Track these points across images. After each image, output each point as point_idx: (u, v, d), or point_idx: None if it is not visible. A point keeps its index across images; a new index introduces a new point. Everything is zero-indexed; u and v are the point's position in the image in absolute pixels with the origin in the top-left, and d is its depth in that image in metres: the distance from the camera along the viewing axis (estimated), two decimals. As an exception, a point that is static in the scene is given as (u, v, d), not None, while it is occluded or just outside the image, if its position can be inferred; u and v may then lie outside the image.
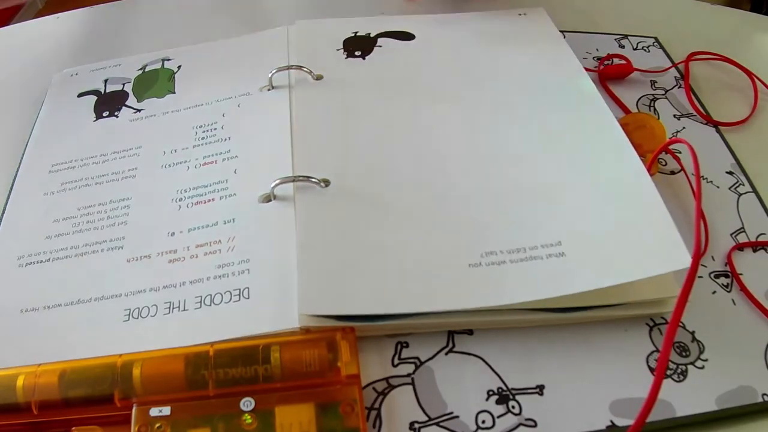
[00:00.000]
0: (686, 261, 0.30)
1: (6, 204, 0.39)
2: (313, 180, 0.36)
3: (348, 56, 0.46)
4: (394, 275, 0.32)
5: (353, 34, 0.48)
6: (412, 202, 0.36)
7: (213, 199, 0.38)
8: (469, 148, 0.39)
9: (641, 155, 0.40)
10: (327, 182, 0.37)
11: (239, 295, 0.33)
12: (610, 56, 0.50)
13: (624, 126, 0.41)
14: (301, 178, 0.36)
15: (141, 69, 0.48)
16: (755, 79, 0.48)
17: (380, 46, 0.47)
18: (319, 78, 0.44)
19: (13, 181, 0.41)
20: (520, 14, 0.50)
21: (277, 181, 0.37)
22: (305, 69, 0.44)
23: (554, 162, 0.38)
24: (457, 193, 0.36)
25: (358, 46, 0.47)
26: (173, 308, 0.33)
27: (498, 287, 0.31)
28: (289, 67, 0.44)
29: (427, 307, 0.31)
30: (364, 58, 0.46)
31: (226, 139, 0.41)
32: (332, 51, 0.47)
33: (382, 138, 0.40)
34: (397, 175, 0.37)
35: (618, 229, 0.33)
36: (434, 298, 0.31)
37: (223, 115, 0.43)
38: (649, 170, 0.39)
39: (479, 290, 0.31)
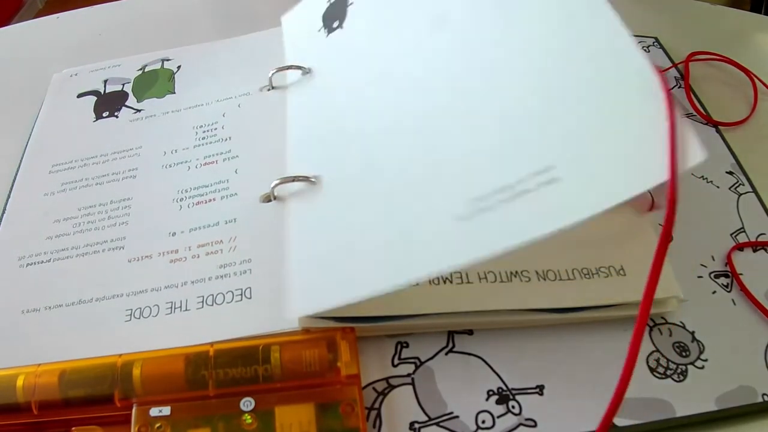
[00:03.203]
0: (703, 154, 0.25)
1: (6, 204, 0.39)
2: (312, 180, 0.36)
3: (329, 33, 0.44)
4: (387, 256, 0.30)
5: (328, 3, 0.45)
6: (400, 171, 0.33)
7: (214, 199, 0.38)
8: (451, 86, 0.35)
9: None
10: (318, 179, 0.36)
11: (241, 295, 0.33)
12: (610, 56, 0.50)
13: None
14: (301, 178, 0.36)
15: (141, 69, 0.48)
16: (755, 79, 0.48)
17: (352, 3, 0.43)
18: (307, 72, 0.43)
19: (13, 182, 0.41)
20: None
21: (277, 182, 0.37)
22: (294, 66, 0.44)
23: (537, 69, 0.32)
24: (440, 144, 0.32)
25: (334, 15, 0.44)
26: (175, 308, 0.33)
27: (489, 237, 0.27)
28: (288, 68, 0.44)
29: (418, 273, 0.28)
30: (342, 27, 0.43)
31: (226, 139, 0.41)
32: (315, 33, 0.45)
33: (366, 120, 0.37)
34: (382, 149, 0.35)
35: (617, 135, 0.28)
36: (423, 264, 0.28)
37: (224, 115, 0.43)
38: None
39: (470, 244, 0.28)
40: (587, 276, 0.34)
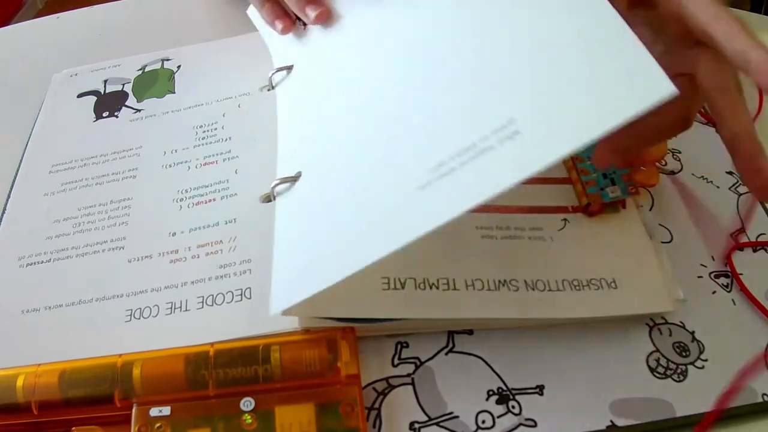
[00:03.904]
0: (670, 87, 0.23)
1: (6, 204, 0.39)
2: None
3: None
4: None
5: None
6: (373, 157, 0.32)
7: (214, 199, 0.38)
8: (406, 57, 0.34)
9: (642, 165, 0.39)
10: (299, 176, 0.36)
11: (241, 295, 0.33)
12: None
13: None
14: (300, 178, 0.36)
15: (141, 69, 0.48)
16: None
17: None
18: (288, 69, 0.43)
19: (13, 182, 0.41)
20: None
21: (277, 182, 0.37)
22: (279, 66, 0.43)
23: (488, 23, 0.30)
24: (397, 116, 0.32)
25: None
26: (175, 308, 0.33)
27: (449, 200, 0.26)
28: (288, 67, 0.44)
29: (383, 249, 0.27)
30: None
31: (226, 139, 0.41)
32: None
33: (326, 109, 0.37)
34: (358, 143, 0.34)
35: (577, 75, 0.26)
36: (387, 238, 0.27)
37: (224, 115, 0.43)
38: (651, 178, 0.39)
39: (430, 210, 0.27)
40: (577, 288, 0.33)
